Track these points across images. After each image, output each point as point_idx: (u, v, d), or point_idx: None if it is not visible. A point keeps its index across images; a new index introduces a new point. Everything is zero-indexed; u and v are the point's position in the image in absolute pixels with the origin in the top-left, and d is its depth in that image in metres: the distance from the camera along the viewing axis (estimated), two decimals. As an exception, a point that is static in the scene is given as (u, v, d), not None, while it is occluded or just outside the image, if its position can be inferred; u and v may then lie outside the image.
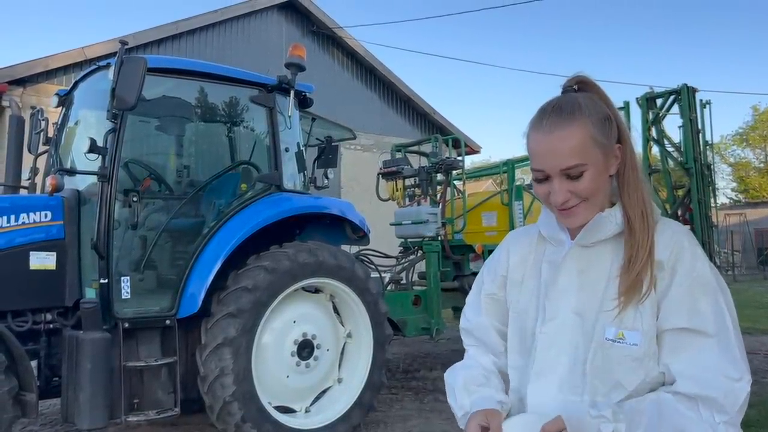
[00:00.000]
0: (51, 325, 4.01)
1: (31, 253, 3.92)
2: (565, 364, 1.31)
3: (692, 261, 1.27)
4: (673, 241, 1.29)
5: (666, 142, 9.41)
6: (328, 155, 5.69)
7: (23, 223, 3.94)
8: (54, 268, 4.00)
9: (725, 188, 37.57)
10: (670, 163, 9.35)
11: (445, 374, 1.55)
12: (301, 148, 5.25)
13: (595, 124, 1.28)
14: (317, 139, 5.77)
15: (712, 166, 9.35)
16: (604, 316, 1.28)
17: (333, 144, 5.74)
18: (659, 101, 9.35)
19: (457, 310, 7.48)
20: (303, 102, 5.31)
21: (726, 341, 1.22)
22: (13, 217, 3.92)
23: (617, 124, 1.32)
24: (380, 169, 7.62)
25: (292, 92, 4.84)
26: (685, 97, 8.78)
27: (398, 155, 8.13)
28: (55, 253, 4.01)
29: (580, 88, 1.35)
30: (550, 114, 1.29)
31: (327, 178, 5.59)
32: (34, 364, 3.85)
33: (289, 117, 4.93)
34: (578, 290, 1.33)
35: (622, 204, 1.32)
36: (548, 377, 1.33)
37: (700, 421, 1.17)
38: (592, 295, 1.31)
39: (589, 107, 1.29)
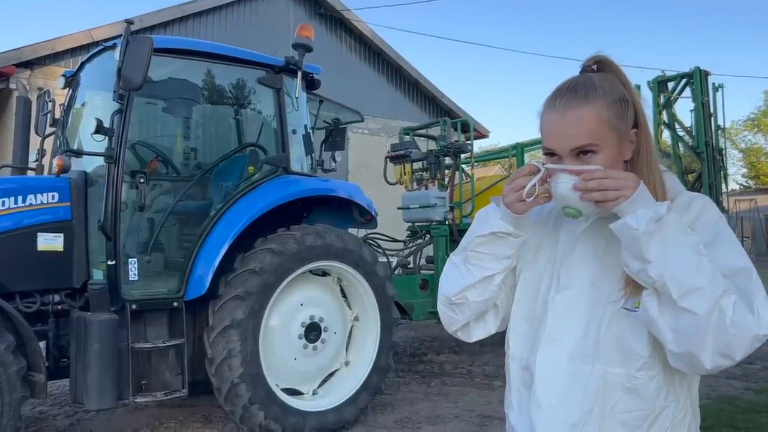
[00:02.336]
0: (59, 307, 4.02)
1: (38, 234, 3.92)
2: (578, 332, 1.29)
3: (708, 214, 1.25)
4: (696, 202, 1.28)
5: (677, 126, 9.29)
6: (335, 138, 5.66)
7: (30, 205, 3.93)
8: (61, 249, 4.00)
9: (735, 174, 37.23)
10: (681, 147, 9.24)
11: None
12: (309, 130, 5.22)
13: (609, 106, 1.25)
14: (324, 121, 5.73)
15: (723, 151, 9.24)
16: (619, 288, 1.27)
17: (340, 127, 5.70)
18: (671, 84, 9.21)
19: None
20: (310, 84, 5.25)
21: (728, 239, 1.21)
22: (20, 198, 3.92)
23: (635, 108, 1.29)
24: (388, 152, 7.58)
25: (299, 73, 4.79)
26: (697, 80, 8.64)
27: (406, 139, 8.08)
28: (62, 235, 4.01)
29: (599, 68, 1.32)
30: (565, 94, 1.27)
31: (334, 161, 5.56)
32: (42, 345, 3.87)
33: (297, 99, 4.89)
34: (595, 260, 1.31)
35: None
36: (559, 345, 1.31)
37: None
38: (608, 266, 1.29)
39: (605, 88, 1.26)
